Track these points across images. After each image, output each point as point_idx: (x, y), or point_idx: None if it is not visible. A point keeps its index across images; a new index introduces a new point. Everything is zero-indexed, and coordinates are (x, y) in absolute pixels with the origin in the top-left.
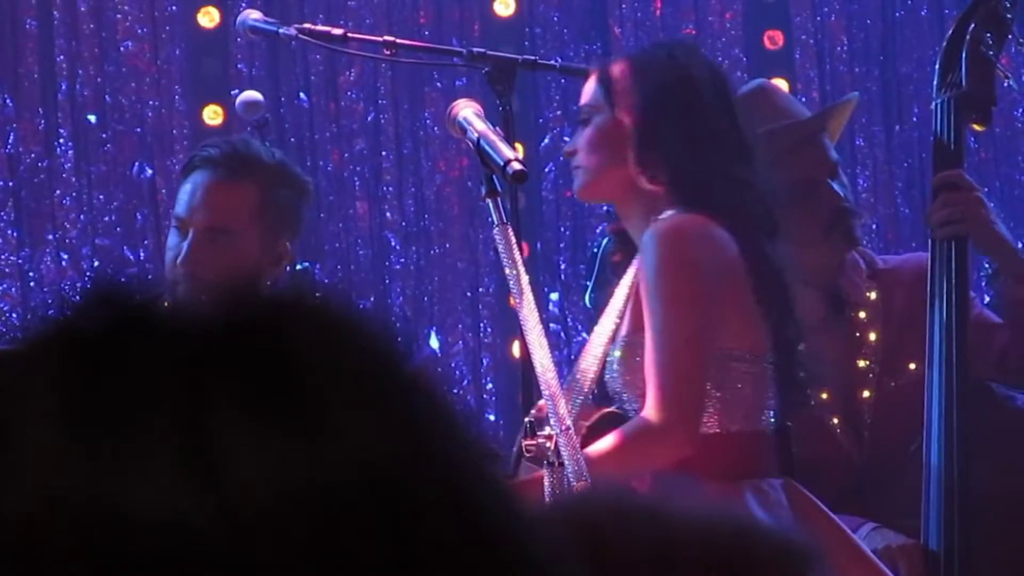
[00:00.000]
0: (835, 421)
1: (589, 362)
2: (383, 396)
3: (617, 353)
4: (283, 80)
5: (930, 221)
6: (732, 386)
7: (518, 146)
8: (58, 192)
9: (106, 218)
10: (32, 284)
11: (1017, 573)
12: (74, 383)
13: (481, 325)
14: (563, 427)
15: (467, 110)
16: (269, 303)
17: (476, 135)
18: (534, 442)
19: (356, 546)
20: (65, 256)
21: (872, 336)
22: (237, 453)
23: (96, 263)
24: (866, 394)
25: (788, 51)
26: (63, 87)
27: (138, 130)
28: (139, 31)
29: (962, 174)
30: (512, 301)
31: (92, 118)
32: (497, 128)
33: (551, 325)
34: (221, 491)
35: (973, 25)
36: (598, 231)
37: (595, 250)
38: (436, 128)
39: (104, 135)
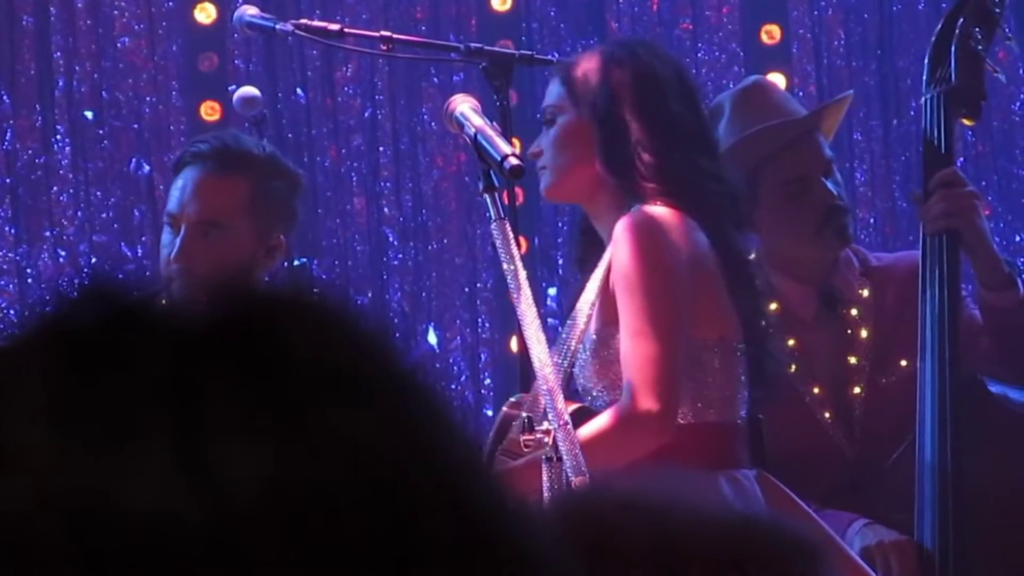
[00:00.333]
0: (827, 416)
1: (559, 358)
2: (378, 393)
3: (588, 347)
4: (280, 76)
5: (924, 217)
6: (704, 377)
7: (515, 141)
8: (55, 189)
9: (103, 214)
10: (30, 281)
11: (1011, 567)
12: (67, 379)
13: (479, 320)
14: (561, 422)
15: (464, 105)
16: (263, 299)
17: (473, 130)
18: (532, 437)
19: (351, 543)
20: (63, 253)
21: (864, 333)
22: (231, 450)
23: (94, 260)
24: (857, 390)
25: (785, 45)
26: (60, 83)
27: (135, 126)
28: (136, 27)
29: (956, 171)
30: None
31: (89, 114)
32: (494, 123)
33: (549, 320)
34: (215, 488)
35: (962, 20)
36: None
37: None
38: (433, 123)
39: (101, 131)
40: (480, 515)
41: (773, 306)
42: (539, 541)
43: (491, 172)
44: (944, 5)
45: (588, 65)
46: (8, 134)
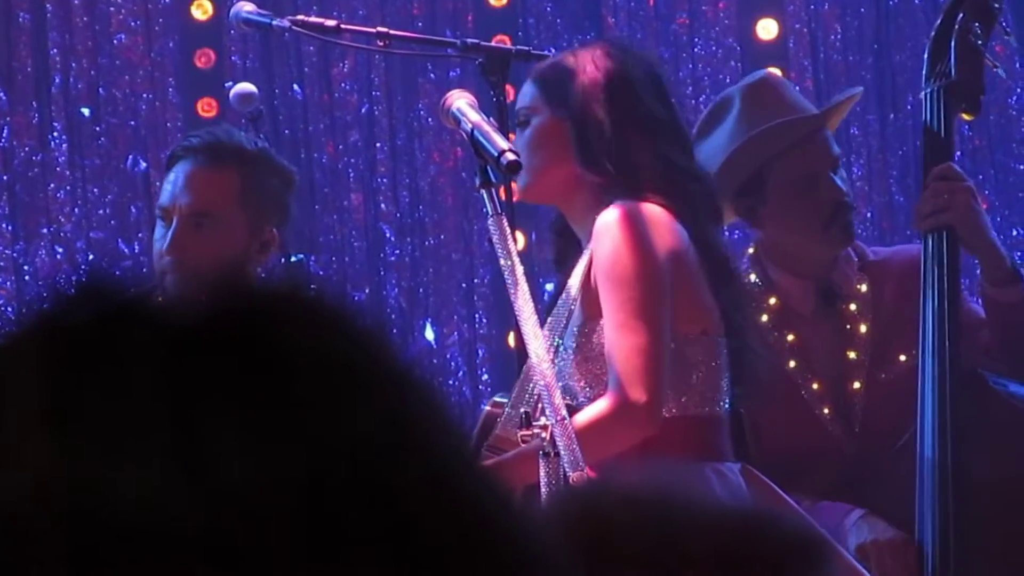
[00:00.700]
0: (826, 412)
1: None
2: (376, 390)
3: (571, 342)
4: (277, 72)
5: (916, 213)
6: (688, 370)
7: (512, 137)
8: (52, 185)
9: (100, 211)
10: (27, 278)
11: (1011, 561)
12: (64, 376)
13: (476, 316)
14: (559, 417)
15: (461, 101)
16: (261, 296)
17: (470, 126)
18: (530, 432)
19: (349, 541)
20: (60, 249)
21: (863, 328)
22: (228, 447)
23: (91, 256)
24: (856, 385)
25: (782, 40)
26: (57, 80)
27: (132, 123)
28: (132, 24)
29: (952, 166)
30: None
31: (86, 111)
32: (491, 119)
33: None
34: (209, 482)
35: (962, 15)
36: None
37: None
38: (430, 119)
39: (98, 128)
40: (478, 512)
41: (772, 301)
42: (537, 539)
43: (488, 168)
44: (941, 0)
45: (561, 65)
46: (5, 131)
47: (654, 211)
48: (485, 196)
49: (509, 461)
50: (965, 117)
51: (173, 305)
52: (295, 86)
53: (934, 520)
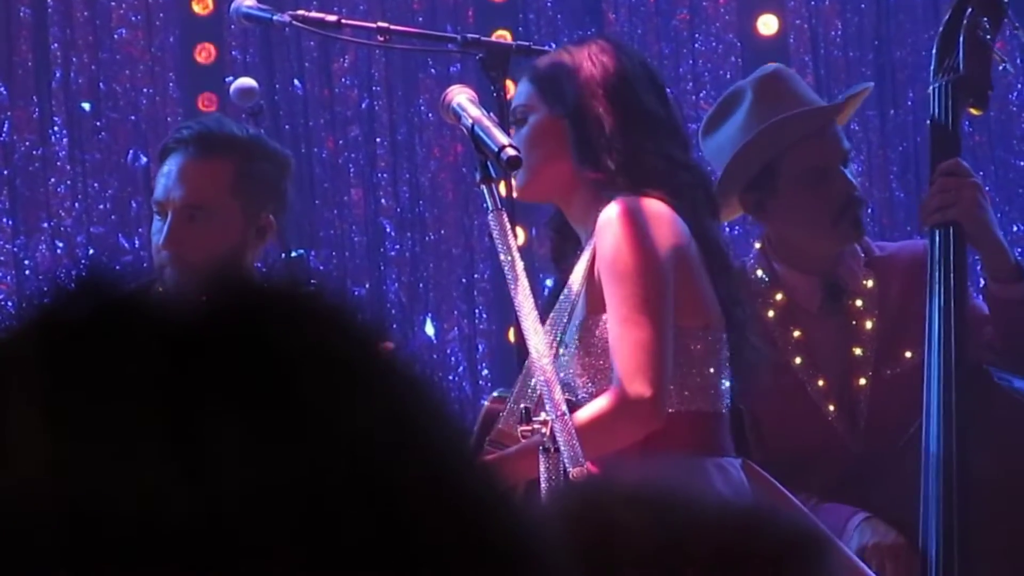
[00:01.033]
0: (831, 408)
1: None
2: (375, 386)
3: (574, 337)
4: (277, 67)
5: (922, 209)
6: (689, 365)
7: (512, 132)
8: (52, 180)
9: (101, 206)
10: (27, 272)
11: (1015, 558)
12: (62, 372)
13: (477, 311)
14: (558, 413)
15: (461, 96)
16: (260, 291)
17: (470, 121)
18: (530, 428)
19: (349, 539)
20: (60, 244)
21: (868, 324)
22: (225, 443)
23: (91, 251)
24: (862, 382)
25: (782, 36)
26: (57, 75)
27: (132, 118)
28: (133, 18)
29: (960, 162)
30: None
31: (86, 106)
32: (491, 114)
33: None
34: (209, 481)
35: (970, 10)
36: None
37: None
38: (430, 114)
39: (98, 123)
40: (478, 510)
41: (778, 297)
42: (537, 537)
43: (488, 163)
44: None
45: (557, 63)
46: (5, 126)
47: (656, 206)
48: (485, 191)
49: (510, 456)
50: (973, 112)
51: (172, 301)
52: (295, 81)
53: (938, 516)
